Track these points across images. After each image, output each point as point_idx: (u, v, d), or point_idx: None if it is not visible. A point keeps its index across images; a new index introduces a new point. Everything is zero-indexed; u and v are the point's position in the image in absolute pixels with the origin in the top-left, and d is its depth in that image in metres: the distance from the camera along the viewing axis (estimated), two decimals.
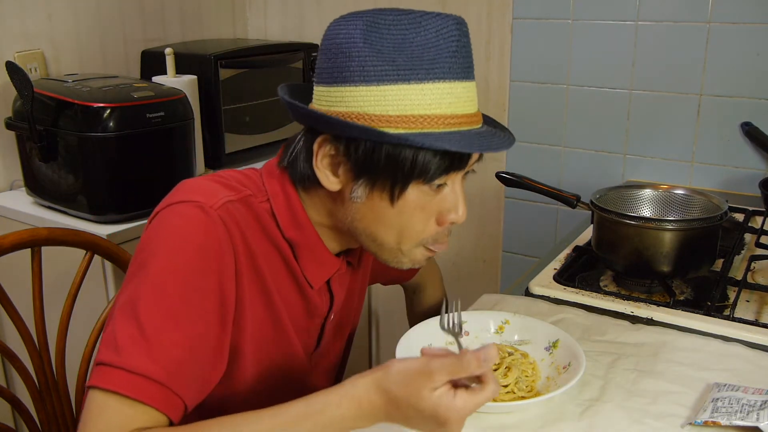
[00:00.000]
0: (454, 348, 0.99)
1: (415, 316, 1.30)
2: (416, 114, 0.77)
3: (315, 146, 0.83)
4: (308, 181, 0.87)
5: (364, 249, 0.92)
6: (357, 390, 0.73)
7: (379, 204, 0.82)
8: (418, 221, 0.83)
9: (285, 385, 0.93)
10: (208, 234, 0.79)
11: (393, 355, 0.91)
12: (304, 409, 0.73)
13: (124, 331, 0.75)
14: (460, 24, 0.80)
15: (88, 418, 0.74)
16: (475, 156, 0.84)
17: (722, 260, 1.25)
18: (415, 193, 0.81)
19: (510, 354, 0.95)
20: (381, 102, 0.77)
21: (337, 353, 1.07)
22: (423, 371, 0.70)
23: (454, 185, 0.84)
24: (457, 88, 0.79)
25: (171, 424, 0.77)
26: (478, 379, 0.71)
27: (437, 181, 0.81)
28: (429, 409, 0.69)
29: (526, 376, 0.91)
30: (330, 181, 0.83)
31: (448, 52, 0.78)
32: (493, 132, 0.84)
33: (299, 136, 0.88)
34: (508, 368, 0.90)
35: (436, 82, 0.78)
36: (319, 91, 0.83)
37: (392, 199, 0.81)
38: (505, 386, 0.89)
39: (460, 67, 0.79)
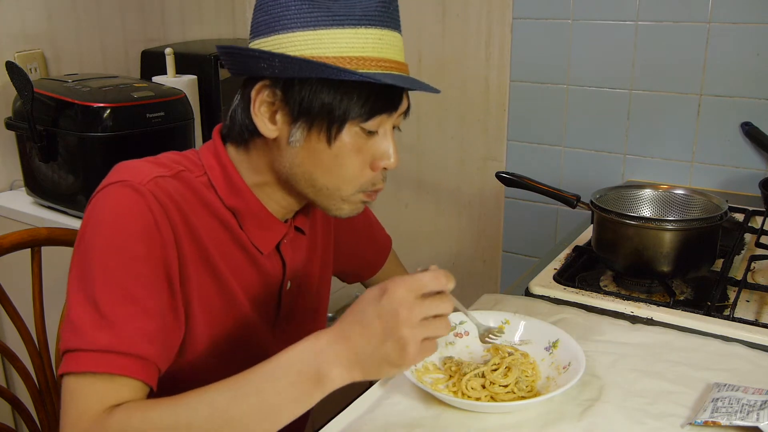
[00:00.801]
0: (455, 349, 0.99)
1: None
2: (351, 56, 0.82)
3: (253, 93, 0.86)
4: (247, 133, 0.89)
5: (306, 202, 0.94)
6: (316, 333, 0.76)
7: (317, 146, 0.85)
8: (355, 164, 0.87)
9: (243, 357, 0.93)
10: (141, 209, 0.82)
11: None
12: (265, 365, 0.75)
13: (82, 316, 0.78)
14: None
15: (66, 405, 0.76)
16: (404, 104, 0.89)
17: (722, 260, 1.25)
18: (350, 135, 0.85)
19: (510, 354, 0.94)
20: (318, 45, 0.82)
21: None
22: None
23: (386, 132, 0.88)
24: (387, 36, 0.85)
25: (150, 390, 0.80)
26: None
27: (370, 123, 0.85)
28: (376, 288, 0.74)
29: (526, 376, 0.91)
30: (268, 128, 0.86)
31: (377, 2, 0.84)
32: (419, 80, 0.89)
33: (237, 93, 0.91)
34: (508, 368, 0.90)
35: (369, 28, 0.83)
36: (255, 44, 0.86)
37: (329, 140, 0.85)
38: (505, 386, 0.89)
39: (389, 18, 0.85)
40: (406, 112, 0.91)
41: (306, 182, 0.89)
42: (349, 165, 0.87)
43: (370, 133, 0.86)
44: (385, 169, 0.89)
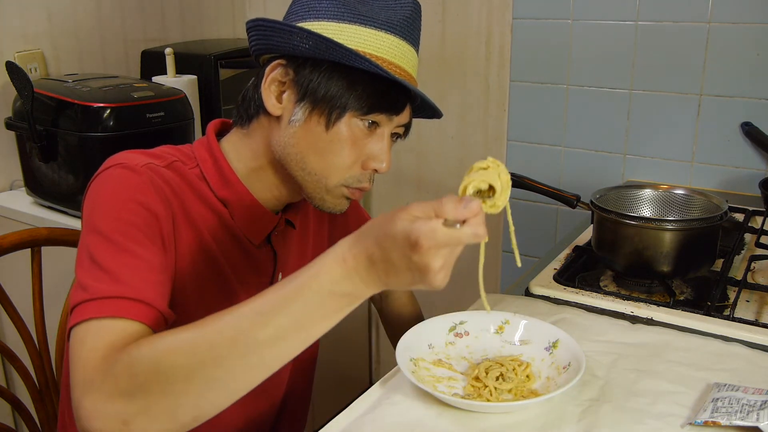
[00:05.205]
0: (455, 349, 0.99)
1: (391, 328, 1.26)
2: (369, 52, 0.87)
3: (267, 69, 0.90)
4: (253, 107, 0.94)
5: (297, 195, 0.96)
6: (338, 248, 0.68)
7: (315, 129, 0.89)
8: (347, 156, 0.90)
9: None
10: (139, 185, 0.85)
11: (393, 355, 0.91)
12: (288, 286, 0.68)
13: (87, 276, 0.78)
14: (416, 4, 0.92)
15: (74, 351, 0.74)
16: (405, 115, 0.92)
17: (722, 260, 1.25)
18: (348, 125, 0.88)
19: (501, 365, 0.94)
20: (339, 36, 0.86)
21: None
22: (400, 208, 0.67)
23: (383, 135, 0.91)
24: (404, 47, 0.89)
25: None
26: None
27: (370, 117, 0.88)
28: (401, 232, 0.64)
29: (521, 380, 0.91)
30: (274, 104, 0.90)
31: (402, 16, 0.89)
32: (426, 95, 0.93)
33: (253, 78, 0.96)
34: (501, 375, 0.91)
35: (389, 34, 0.88)
36: None
37: (327, 125, 0.88)
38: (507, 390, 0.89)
39: (409, 32, 0.90)
40: (407, 131, 0.95)
41: (297, 164, 0.91)
42: (342, 154, 0.89)
43: (370, 127, 0.89)
44: (375, 171, 0.92)
